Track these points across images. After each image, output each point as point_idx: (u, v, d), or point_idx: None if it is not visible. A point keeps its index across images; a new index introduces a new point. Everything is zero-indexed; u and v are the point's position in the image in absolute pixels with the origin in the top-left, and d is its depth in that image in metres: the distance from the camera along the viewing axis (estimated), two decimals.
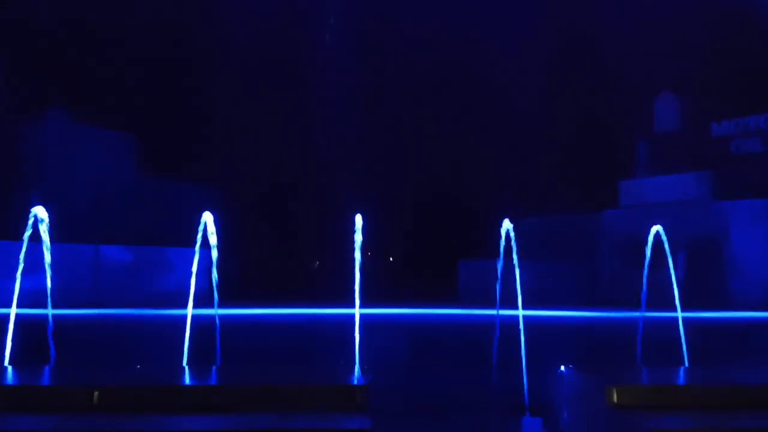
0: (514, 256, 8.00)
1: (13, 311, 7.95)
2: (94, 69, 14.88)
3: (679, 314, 8.29)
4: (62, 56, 14.59)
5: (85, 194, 13.88)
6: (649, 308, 8.77)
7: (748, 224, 14.45)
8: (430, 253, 15.52)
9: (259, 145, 14.79)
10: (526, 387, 7.69)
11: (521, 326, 7.88)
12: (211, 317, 8.22)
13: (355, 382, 5.55)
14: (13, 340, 8.46)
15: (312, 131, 15.48)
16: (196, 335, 7.96)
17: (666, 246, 8.29)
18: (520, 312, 7.92)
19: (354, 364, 7.72)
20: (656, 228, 8.83)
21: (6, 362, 7.93)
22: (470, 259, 15.56)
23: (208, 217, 8.67)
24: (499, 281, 7.98)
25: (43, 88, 14.64)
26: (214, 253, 8.29)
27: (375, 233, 8.38)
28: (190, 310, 7.98)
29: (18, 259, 7.95)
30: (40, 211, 8.23)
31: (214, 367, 6.67)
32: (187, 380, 5.94)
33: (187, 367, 7.09)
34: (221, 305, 8.35)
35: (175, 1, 14.79)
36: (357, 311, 7.91)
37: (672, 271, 8.46)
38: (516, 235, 8.14)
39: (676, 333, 8.23)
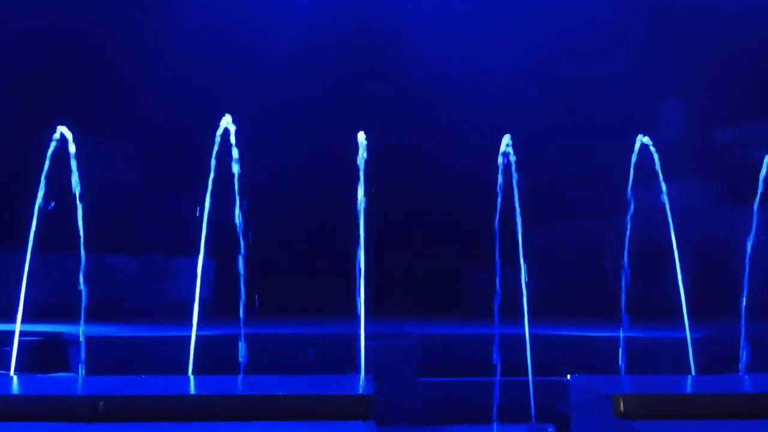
0: (514, 190, 7.84)
1: (18, 322, 7.95)
2: (100, 78, 14.90)
3: (687, 328, 8.24)
4: (65, 64, 14.61)
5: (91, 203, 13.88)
6: (657, 318, 8.69)
7: (754, 231, 14.43)
8: (431, 262, 15.39)
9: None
10: (531, 395, 7.67)
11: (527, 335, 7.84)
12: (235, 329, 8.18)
13: (361, 391, 5.55)
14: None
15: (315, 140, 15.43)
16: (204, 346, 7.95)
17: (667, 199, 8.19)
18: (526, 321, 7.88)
19: (359, 373, 7.70)
20: (642, 139, 8.64)
21: (12, 372, 7.94)
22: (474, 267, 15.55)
23: (227, 122, 7.78)
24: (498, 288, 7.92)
25: (48, 97, 14.68)
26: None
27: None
28: (195, 319, 7.97)
29: (23, 269, 7.92)
30: (64, 131, 7.68)
31: (219, 377, 6.67)
32: (193, 390, 5.94)
33: (192, 377, 7.09)
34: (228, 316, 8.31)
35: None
36: (362, 303, 7.79)
37: (680, 280, 8.42)
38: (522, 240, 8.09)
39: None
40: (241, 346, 7.54)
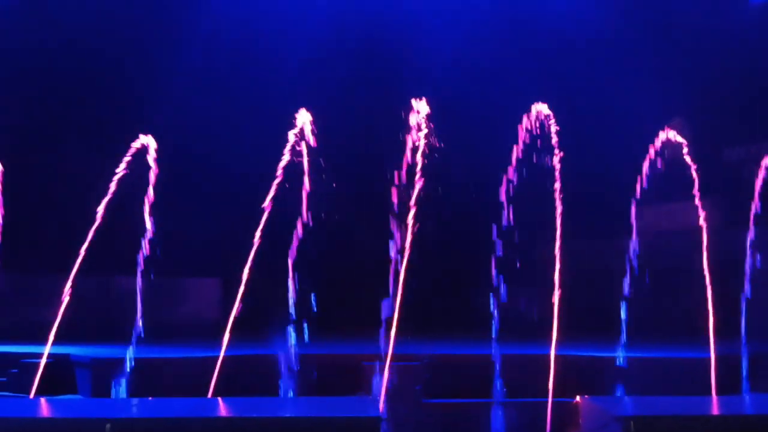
0: None
1: (49, 344, 7.94)
2: (109, 98, 14.99)
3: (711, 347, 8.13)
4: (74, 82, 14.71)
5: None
6: (676, 338, 8.56)
7: (762, 251, 14.37)
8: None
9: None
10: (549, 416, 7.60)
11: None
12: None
13: (367, 414, 5.52)
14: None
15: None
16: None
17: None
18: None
19: (367, 395, 7.67)
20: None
21: (32, 394, 7.94)
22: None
23: (304, 119, 7.93)
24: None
25: (60, 116, 14.78)
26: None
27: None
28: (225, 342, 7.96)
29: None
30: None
31: (226, 399, 6.64)
32: (199, 412, 5.91)
33: (199, 400, 7.06)
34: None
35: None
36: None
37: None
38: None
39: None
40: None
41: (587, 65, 15.20)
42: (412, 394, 8.61)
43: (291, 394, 7.89)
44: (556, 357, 8.43)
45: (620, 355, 8.16)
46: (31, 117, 14.51)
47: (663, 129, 16.33)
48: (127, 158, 8.09)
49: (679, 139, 9.11)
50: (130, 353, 7.86)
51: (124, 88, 14.70)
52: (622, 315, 8.24)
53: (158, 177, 14.97)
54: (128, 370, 7.83)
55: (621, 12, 14.86)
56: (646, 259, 8.79)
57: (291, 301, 7.90)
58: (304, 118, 8.03)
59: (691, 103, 15.53)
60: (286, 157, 8.13)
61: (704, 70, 14.96)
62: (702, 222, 8.67)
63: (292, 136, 8.08)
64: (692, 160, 14.96)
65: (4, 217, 8.28)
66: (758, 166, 11.29)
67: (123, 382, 7.80)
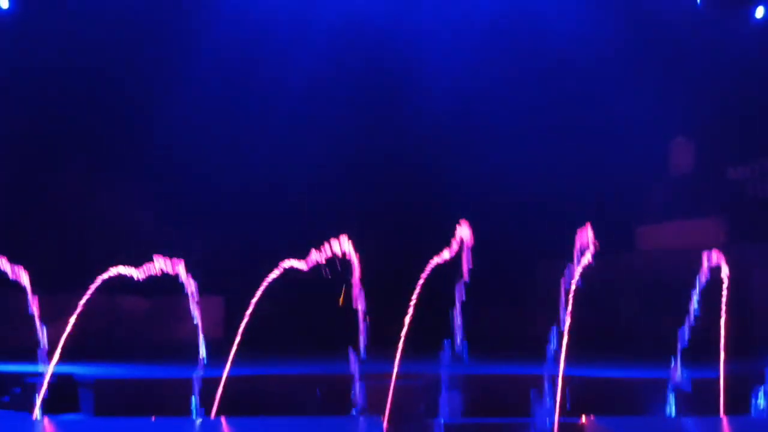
0: None
1: (53, 364, 7.93)
2: (116, 116, 15.08)
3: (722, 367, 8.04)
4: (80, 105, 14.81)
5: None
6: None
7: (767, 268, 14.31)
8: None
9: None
10: None
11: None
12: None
13: None
14: None
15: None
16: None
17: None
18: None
19: (369, 415, 7.62)
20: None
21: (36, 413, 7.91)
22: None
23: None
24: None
25: (64, 137, 14.86)
26: None
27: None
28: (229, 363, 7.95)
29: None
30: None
31: (227, 419, 6.62)
32: None
33: (199, 419, 7.04)
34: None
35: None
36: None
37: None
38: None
39: None
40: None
41: (591, 84, 15.26)
42: (414, 414, 8.55)
43: None
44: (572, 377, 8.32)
45: (681, 377, 8.04)
46: (33, 133, 14.58)
47: (667, 148, 16.38)
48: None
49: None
50: (198, 372, 7.80)
51: (129, 105, 14.79)
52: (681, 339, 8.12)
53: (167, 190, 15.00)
54: (198, 389, 7.73)
55: (624, 33, 14.94)
56: (654, 277, 8.74)
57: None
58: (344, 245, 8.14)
59: (694, 123, 15.56)
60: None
61: (707, 89, 15.00)
62: (721, 239, 8.58)
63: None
64: (697, 178, 14.96)
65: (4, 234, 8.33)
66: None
67: (194, 401, 7.70)
